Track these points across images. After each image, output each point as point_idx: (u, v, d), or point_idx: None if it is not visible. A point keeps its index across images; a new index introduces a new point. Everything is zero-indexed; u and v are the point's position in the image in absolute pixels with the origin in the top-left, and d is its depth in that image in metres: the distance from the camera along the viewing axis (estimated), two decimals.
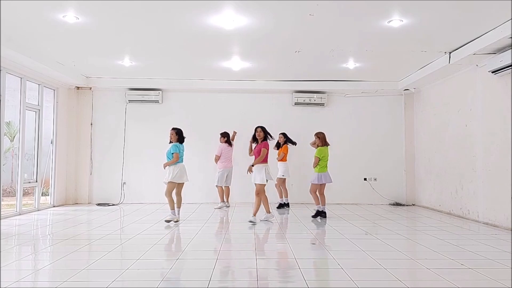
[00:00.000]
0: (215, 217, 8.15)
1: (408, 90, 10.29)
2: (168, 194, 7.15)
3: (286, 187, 9.37)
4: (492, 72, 6.90)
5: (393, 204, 10.32)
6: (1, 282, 3.78)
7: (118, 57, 8.20)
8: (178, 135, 7.38)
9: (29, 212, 8.60)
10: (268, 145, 7.27)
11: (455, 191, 8.39)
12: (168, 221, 7.13)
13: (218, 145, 9.48)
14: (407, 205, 10.25)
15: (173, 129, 7.42)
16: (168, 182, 7.16)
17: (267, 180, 7.15)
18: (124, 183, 10.40)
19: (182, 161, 7.35)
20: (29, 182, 8.85)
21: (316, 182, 7.63)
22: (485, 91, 7.41)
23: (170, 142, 7.37)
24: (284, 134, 9.22)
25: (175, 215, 7.18)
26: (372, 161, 10.56)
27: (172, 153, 7.19)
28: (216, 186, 9.42)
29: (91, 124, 10.48)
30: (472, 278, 4.06)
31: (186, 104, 10.58)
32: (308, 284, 3.80)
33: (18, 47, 7.20)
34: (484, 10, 5.57)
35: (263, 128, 7.30)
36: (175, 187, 7.23)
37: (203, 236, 6.24)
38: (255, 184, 7.17)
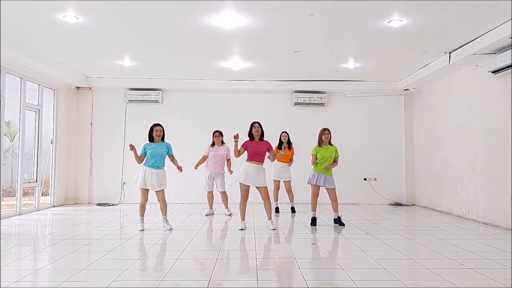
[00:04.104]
0: (215, 217, 8.15)
1: (408, 90, 10.29)
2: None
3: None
4: (492, 72, 6.90)
5: (393, 204, 10.32)
6: (1, 282, 3.78)
7: (118, 57, 8.20)
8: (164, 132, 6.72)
9: (29, 212, 8.60)
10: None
11: (455, 191, 8.39)
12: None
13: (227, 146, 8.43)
14: (407, 205, 10.25)
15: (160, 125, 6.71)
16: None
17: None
18: (124, 183, 10.40)
19: (150, 164, 6.54)
20: (29, 182, 8.85)
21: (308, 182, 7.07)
22: (485, 91, 7.41)
23: (162, 139, 6.66)
24: (287, 133, 8.58)
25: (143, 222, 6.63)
26: (372, 161, 10.56)
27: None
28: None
29: (91, 124, 10.48)
30: (472, 278, 4.06)
31: (186, 104, 10.58)
32: (308, 284, 3.79)
33: (18, 47, 7.20)
34: (484, 10, 5.57)
35: (261, 125, 6.77)
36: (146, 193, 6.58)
37: (203, 236, 6.23)
38: (262, 187, 6.55)
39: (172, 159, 6.79)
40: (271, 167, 8.42)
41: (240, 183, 6.56)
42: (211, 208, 8.42)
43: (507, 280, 3.92)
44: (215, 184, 8.34)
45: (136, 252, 5.02)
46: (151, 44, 7.32)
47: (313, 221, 7.10)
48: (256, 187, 6.58)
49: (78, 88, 10.34)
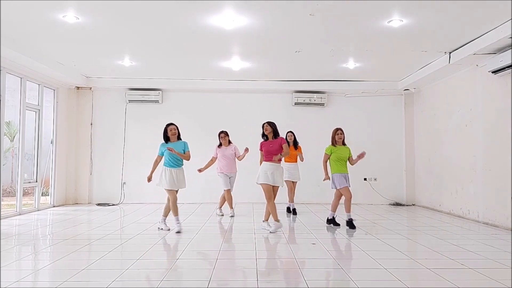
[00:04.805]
0: (216, 217, 8.14)
1: (408, 90, 10.29)
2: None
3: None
4: (492, 72, 6.90)
5: (393, 204, 10.32)
6: (1, 282, 3.78)
7: (118, 57, 8.20)
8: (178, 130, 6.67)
9: (29, 212, 8.60)
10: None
11: (455, 191, 8.39)
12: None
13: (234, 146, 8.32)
14: (407, 205, 10.25)
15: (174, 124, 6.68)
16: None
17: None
18: (124, 183, 10.40)
19: (170, 164, 6.49)
20: (29, 182, 8.85)
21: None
22: (485, 91, 7.41)
23: (179, 138, 6.64)
24: (293, 133, 8.50)
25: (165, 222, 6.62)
26: (372, 161, 10.53)
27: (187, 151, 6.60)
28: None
29: (91, 124, 10.48)
30: (472, 278, 4.06)
31: (186, 104, 10.58)
32: (308, 284, 3.79)
33: (18, 47, 7.20)
34: (484, 10, 5.57)
35: (270, 123, 6.61)
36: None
37: (203, 236, 6.23)
38: (277, 186, 6.46)
39: (184, 156, 6.57)
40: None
41: (261, 184, 6.42)
42: (232, 208, 8.17)
43: (507, 280, 3.92)
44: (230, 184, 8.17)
45: (136, 252, 5.02)
46: (151, 44, 7.32)
47: (334, 221, 6.97)
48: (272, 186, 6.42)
49: (78, 88, 10.34)
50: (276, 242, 5.87)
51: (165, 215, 6.58)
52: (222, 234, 6.48)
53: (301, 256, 5.00)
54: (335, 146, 6.92)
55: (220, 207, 8.37)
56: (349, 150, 6.99)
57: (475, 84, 7.71)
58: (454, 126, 8.47)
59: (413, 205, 10.29)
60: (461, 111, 8.21)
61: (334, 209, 6.98)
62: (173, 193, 6.45)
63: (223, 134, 8.23)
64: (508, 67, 6.46)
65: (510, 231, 6.51)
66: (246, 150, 7.79)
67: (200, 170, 8.02)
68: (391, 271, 4.22)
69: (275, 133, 6.54)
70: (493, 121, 7.17)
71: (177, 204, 6.50)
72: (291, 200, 8.55)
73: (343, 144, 6.98)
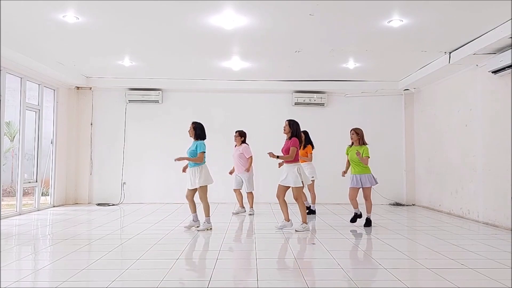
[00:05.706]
0: (217, 217, 8.14)
1: (408, 90, 10.29)
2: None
3: (315, 191, 8.45)
4: (492, 72, 6.90)
5: (393, 204, 10.32)
6: (1, 282, 3.78)
7: (118, 57, 8.20)
8: (196, 130, 6.58)
9: (29, 212, 8.59)
10: (297, 142, 6.45)
11: (455, 191, 8.39)
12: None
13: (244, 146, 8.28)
14: (407, 205, 10.25)
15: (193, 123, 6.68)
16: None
17: (302, 182, 6.36)
18: (124, 183, 10.40)
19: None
20: (29, 182, 8.85)
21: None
22: (485, 91, 7.41)
23: (198, 138, 6.54)
24: (305, 133, 8.22)
25: (209, 222, 6.62)
26: (372, 161, 10.49)
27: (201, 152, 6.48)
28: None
29: (91, 124, 10.48)
30: (472, 278, 4.06)
31: (186, 104, 10.57)
32: (308, 284, 3.79)
33: (18, 47, 7.20)
34: (484, 10, 5.57)
35: (290, 122, 6.57)
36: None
37: (203, 236, 6.23)
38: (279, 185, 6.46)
39: (193, 158, 6.44)
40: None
41: None
42: (241, 207, 8.39)
43: (507, 280, 3.92)
44: (244, 184, 8.29)
45: (136, 252, 5.02)
46: (151, 44, 7.32)
47: (354, 218, 7.09)
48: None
49: (78, 88, 10.34)
50: (276, 242, 5.87)
51: (207, 215, 6.62)
52: (222, 234, 6.47)
53: (301, 256, 4.99)
54: (350, 146, 7.17)
55: (251, 207, 8.40)
56: (364, 149, 7.09)
57: (475, 84, 7.71)
58: (454, 126, 8.47)
59: (413, 205, 10.29)
60: (461, 111, 8.21)
61: (367, 210, 7.10)
62: (188, 191, 6.56)
63: (236, 134, 8.34)
64: (508, 67, 6.46)
65: (510, 231, 6.51)
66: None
67: (230, 172, 8.41)
68: (391, 271, 4.22)
69: (293, 134, 6.48)
70: (493, 121, 7.16)
71: (194, 202, 6.61)
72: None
73: (360, 143, 7.13)
